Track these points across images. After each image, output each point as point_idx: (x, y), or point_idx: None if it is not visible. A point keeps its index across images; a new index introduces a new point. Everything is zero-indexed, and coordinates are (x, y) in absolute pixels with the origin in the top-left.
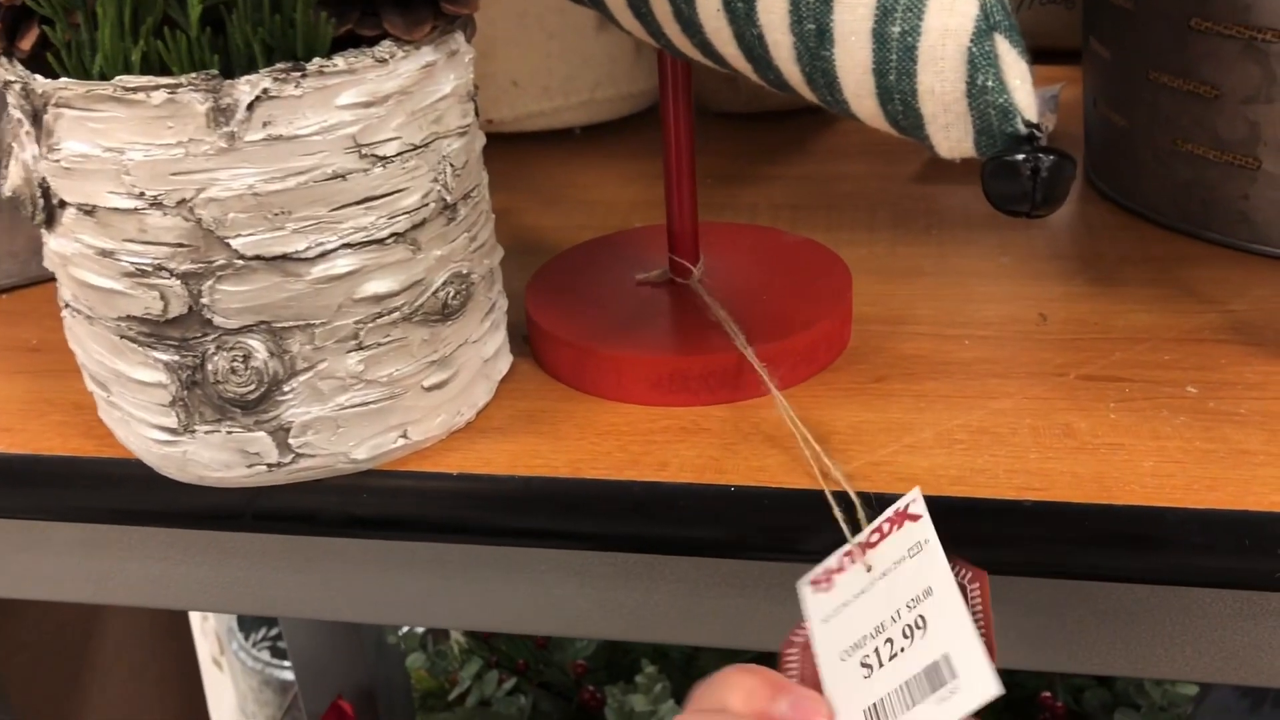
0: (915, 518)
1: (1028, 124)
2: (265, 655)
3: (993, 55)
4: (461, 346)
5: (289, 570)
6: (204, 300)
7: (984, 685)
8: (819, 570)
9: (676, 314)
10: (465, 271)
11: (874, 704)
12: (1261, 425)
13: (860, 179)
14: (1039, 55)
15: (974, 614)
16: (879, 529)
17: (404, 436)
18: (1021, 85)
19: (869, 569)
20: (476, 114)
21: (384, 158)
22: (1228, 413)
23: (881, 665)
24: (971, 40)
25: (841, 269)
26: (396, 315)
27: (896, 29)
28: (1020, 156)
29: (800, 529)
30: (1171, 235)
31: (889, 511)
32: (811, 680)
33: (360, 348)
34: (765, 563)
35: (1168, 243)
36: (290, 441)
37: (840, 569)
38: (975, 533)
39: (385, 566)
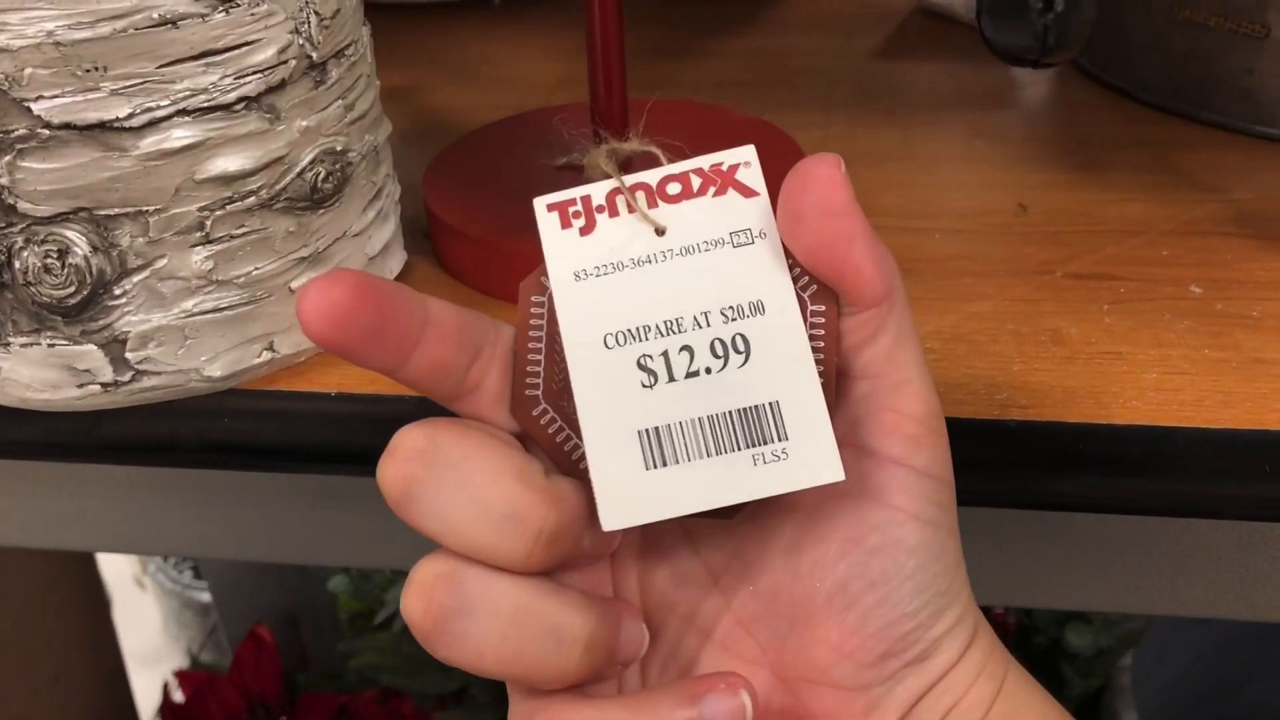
0: (748, 192)
1: None
2: (186, 577)
3: None
4: (338, 241)
5: (149, 504)
6: (3, 180)
7: (824, 464)
8: (570, 194)
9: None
10: (340, 148)
11: (653, 428)
12: (1278, 330)
13: (815, 54)
14: None
15: (816, 353)
16: (681, 178)
17: (270, 350)
18: None
19: (660, 232)
20: None
21: (227, 1)
22: (1238, 315)
23: (671, 379)
24: None
25: (795, 153)
26: (252, 201)
27: None
28: None
29: None
30: (1164, 116)
31: (702, 162)
32: (558, 363)
33: (207, 240)
34: None
35: (1160, 124)
36: (128, 356)
37: (605, 210)
38: (953, 458)
39: (259, 498)
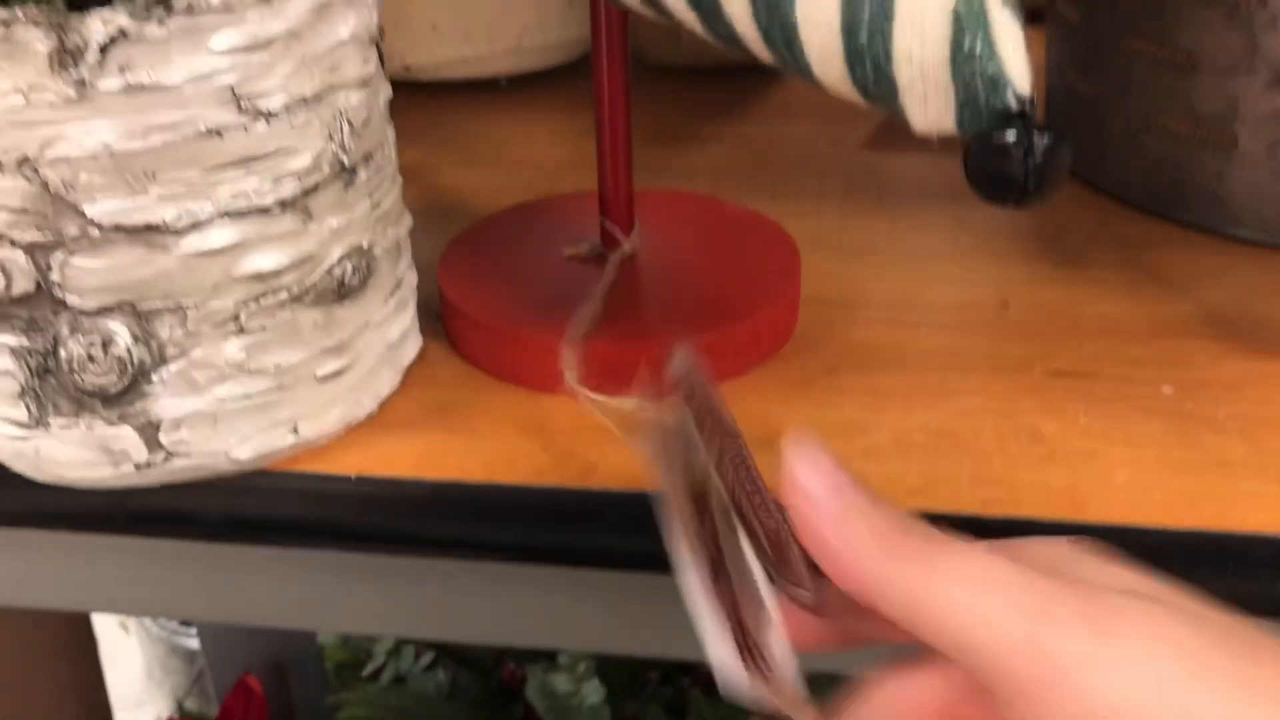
0: None
1: (1020, 98)
2: (172, 623)
3: (982, 15)
4: (361, 330)
5: (170, 572)
6: (54, 276)
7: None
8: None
9: (608, 293)
10: (366, 244)
11: None
12: (1242, 432)
13: (808, 143)
14: None
15: None
16: None
17: (294, 432)
18: (1014, 52)
19: None
20: (382, 61)
21: (268, 112)
22: (1206, 417)
23: None
24: None
25: (789, 246)
26: (284, 295)
27: (864, 36)
28: (1011, 136)
29: None
30: (1140, 215)
31: None
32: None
33: (241, 332)
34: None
35: (1136, 223)
36: (161, 438)
37: None
38: None
39: (277, 570)
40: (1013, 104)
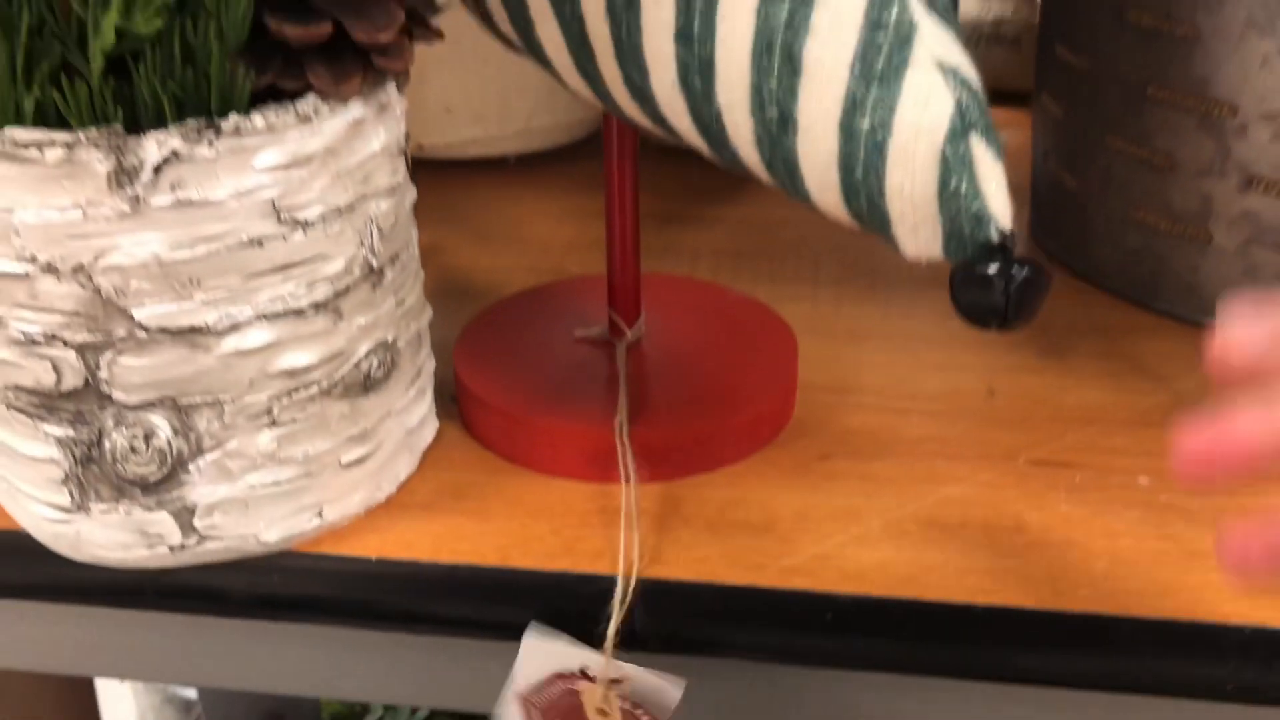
0: None
1: (1001, 232)
2: None
3: (967, 157)
4: (384, 419)
5: (197, 644)
6: (102, 374)
7: None
8: None
9: (617, 378)
10: (390, 339)
11: None
12: (1213, 523)
13: (805, 225)
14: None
15: None
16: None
17: (319, 516)
18: (997, 190)
19: None
20: (408, 165)
21: (305, 222)
22: (1179, 507)
23: None
24: (946, 140)
25: (787, 335)
26: (315, 390)
27: (866, 123)
28: (993, 268)
29: (733, 627)
30: (1121, 303)
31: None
32: None
33: (274, 424)
34: (701, 657)
35: (1117, 311)
36: (195, 523)
37: None
38: (927, 637)
39: (299, 643)
40: (995, 237)
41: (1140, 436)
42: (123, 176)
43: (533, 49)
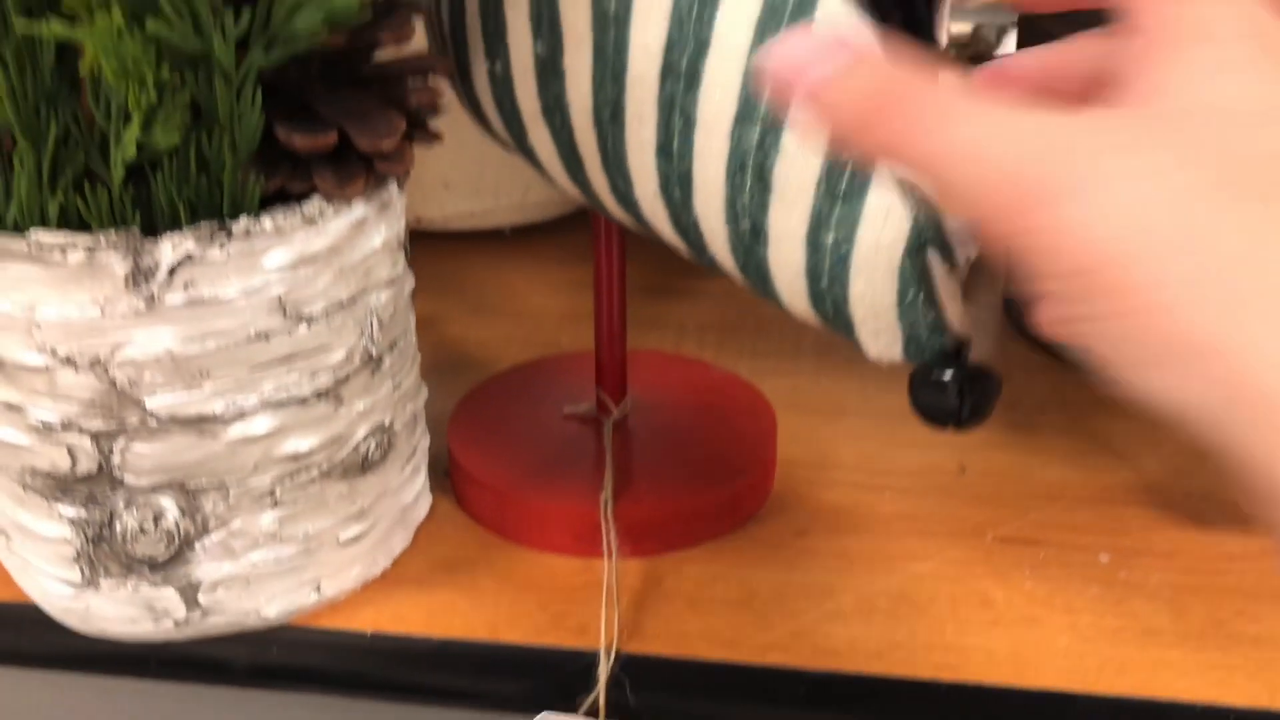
0: None
1: (956, 340)
2: None
3: (925, 271)
4: (380, 497)
5: (199, 713)
6: (115, 459)
7: None
8: None
9: (604, 454)
10: (387, 422)
11: None
12: (1170, 601)
13: None
14: None
15: None
16: None
17: (317, 591)
18: (952, 302)
19: None
20: (407, 256)
21: (309, 317)
22: (1138, 584)
23: None
24: (904, 254)
25: (768, 414)
26: (315, 472)
27: (830, 237)
28: (948, 374)
29: (711, 702)
30: (1086, 378)
31: None
32: None
33: (276, 505)
34: None
35: (1083, 387)
36: (199, 598)
37: None
38: (893, 713)
39: (297, 713)
40: (950, 345)
41: (1102, 513)
42: (139, 276)
43: (526, 152)
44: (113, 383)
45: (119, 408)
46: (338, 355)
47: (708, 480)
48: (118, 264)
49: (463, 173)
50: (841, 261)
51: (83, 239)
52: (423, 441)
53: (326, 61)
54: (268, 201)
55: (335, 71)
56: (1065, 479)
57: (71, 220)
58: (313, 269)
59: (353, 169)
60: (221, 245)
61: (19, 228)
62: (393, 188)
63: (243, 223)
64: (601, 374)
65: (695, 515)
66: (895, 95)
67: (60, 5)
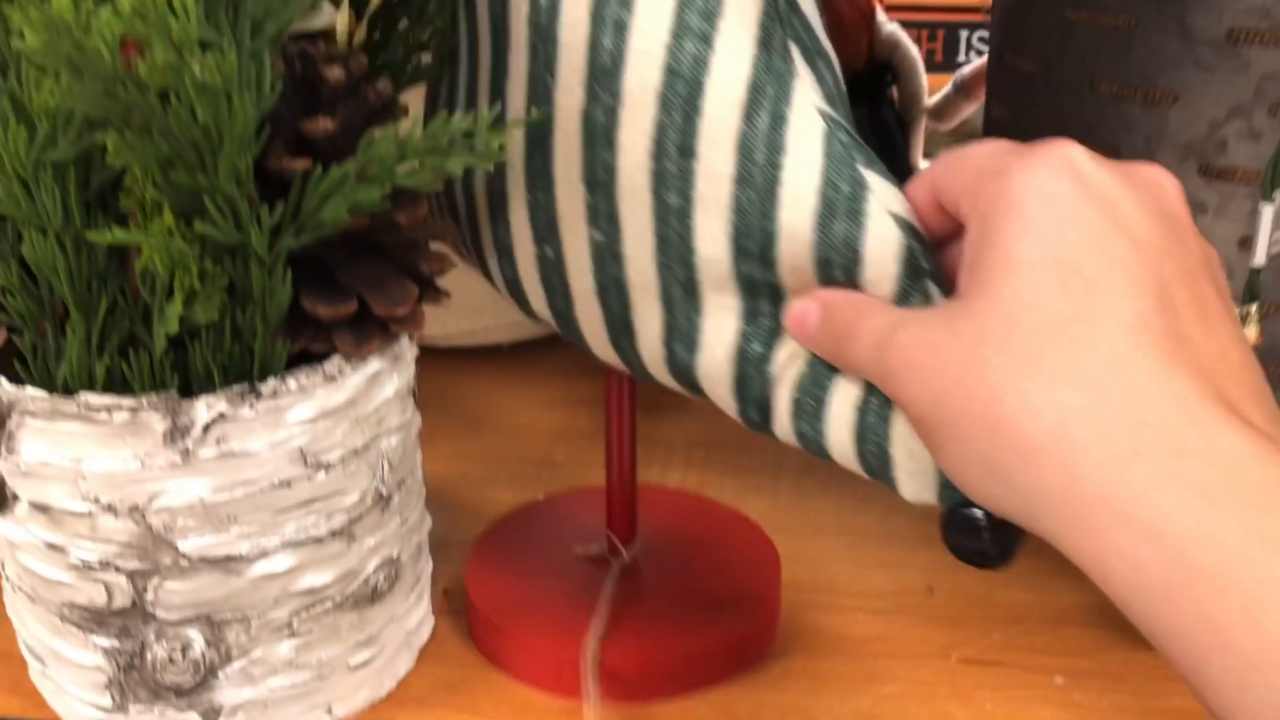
0: None
1: None
2: None
3: None
4: (387, 624)
5: None
6: (148, 596)
7: None
8: None
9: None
10: (395, 555)
11: None
12: None
13: None
14: None
15: None
16: None
17: (329, 713)
18: None
19: None
20: (414, 400)
21: (327, 464)
22: (1090, 706)
23: None
24: None
25: (771, 556)
26: (329, 604)
27: (872, 418)
28: (979, 514)
29: None
30: None
31: None
32: None
33: (293, 635)
34: None
35: None
36: None
37: None
38: None
39: None
40: None
41: (1059, 635)
42: (176, 434)
43: (529, 313)
44: (149, 527)
45: (154, 549)
46: (352, 498)
47: (707, 633)
48: (157, 423)
49: (463, 292)
50: (882, 415)
51: (126, 401)
52: (426, 568)
53: (347, 234)
54: (291, 359)
55: (354, 240)
56: (1026, 601)
57: (116, 382)
58: (331, 420)
59: (370, 330)
60: (251, 405)
61: (69, 389)
62: (404, 341)
63: (271, 384)
64: (612, 517)
65: (688, 665)
66: (844, 331)
67: (116, 202)
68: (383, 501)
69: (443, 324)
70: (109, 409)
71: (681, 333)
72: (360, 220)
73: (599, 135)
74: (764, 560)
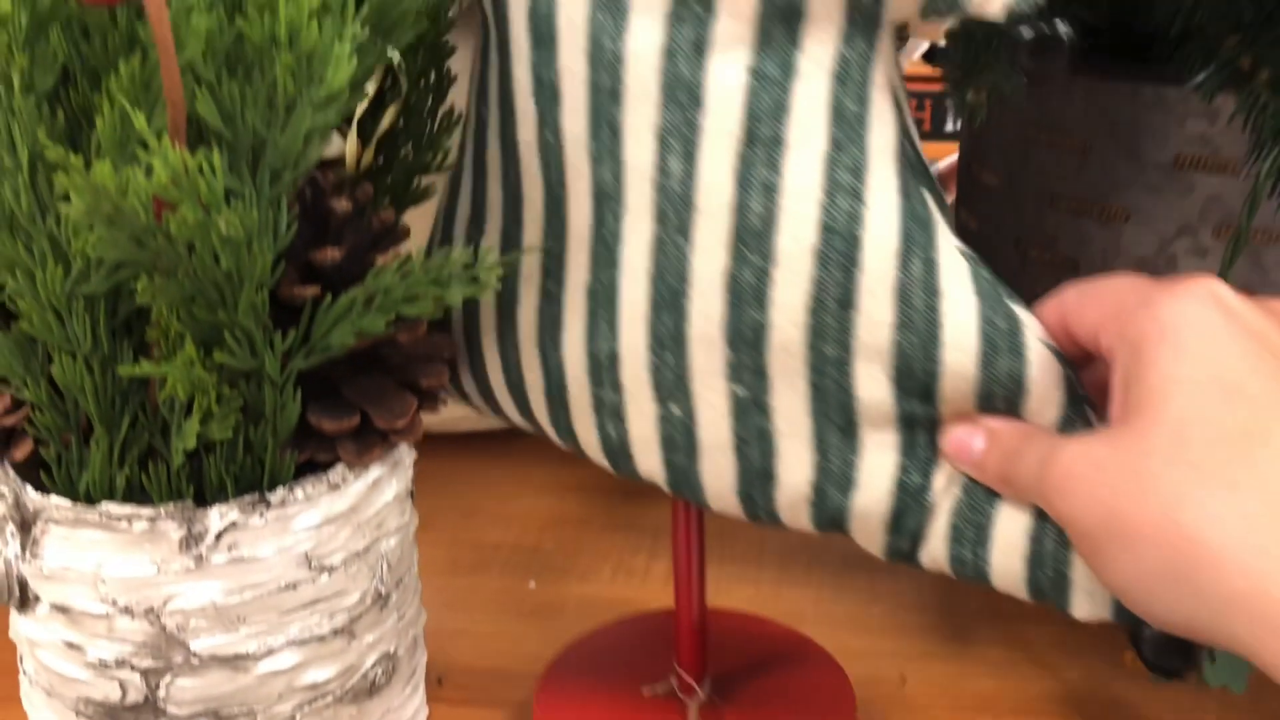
0: None
1: None
2: None
3: None
4: (384, 715)
5: None
6: (160, 692)
7: None
8: None
9: None
10: (393, 649)
11: None
12: None
13: None
14: None
15: None
16: None
17: None
18: None
19: None
20: (412, 501)
21: (330, 567)
22: None
23: None
24: None
25: (845, 687)
26: (330, 698)
27: (1050, 544)
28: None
29: None
30: None
31: None
32: None
33: None
34: None
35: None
36: None
37: None
38: None
39: None
40: None
41: None
42: (191, 541)
43: (627, 472)
44: (163, 628)
45: (167, 649)
46: (353, 598)
47: None
48: (174, 530)
49: None
50: (1059, 551)
51: (145, 510)
52: (421, 660)
53: (352, 351)
54: (298, 468)
55: (358, 357)
56: (994, 691)
57: (135, 491)
58: (335, 526)
59: (371, 441)
60: (261, 514)
61: (91, 498)
62: (403, 448)
63: (280, 493)
64: (681, 653)
65: None
66: (1008, 455)
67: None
68: (381, 600)
69: (439, 412)
70: (129, 518)
71: (835, 474)
72: (365, 341)
73: (747, 295)
74: (838, 690)
